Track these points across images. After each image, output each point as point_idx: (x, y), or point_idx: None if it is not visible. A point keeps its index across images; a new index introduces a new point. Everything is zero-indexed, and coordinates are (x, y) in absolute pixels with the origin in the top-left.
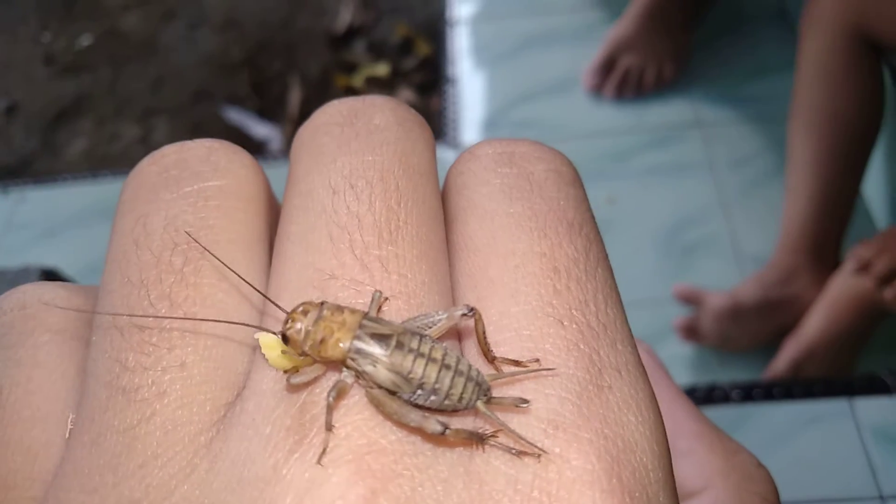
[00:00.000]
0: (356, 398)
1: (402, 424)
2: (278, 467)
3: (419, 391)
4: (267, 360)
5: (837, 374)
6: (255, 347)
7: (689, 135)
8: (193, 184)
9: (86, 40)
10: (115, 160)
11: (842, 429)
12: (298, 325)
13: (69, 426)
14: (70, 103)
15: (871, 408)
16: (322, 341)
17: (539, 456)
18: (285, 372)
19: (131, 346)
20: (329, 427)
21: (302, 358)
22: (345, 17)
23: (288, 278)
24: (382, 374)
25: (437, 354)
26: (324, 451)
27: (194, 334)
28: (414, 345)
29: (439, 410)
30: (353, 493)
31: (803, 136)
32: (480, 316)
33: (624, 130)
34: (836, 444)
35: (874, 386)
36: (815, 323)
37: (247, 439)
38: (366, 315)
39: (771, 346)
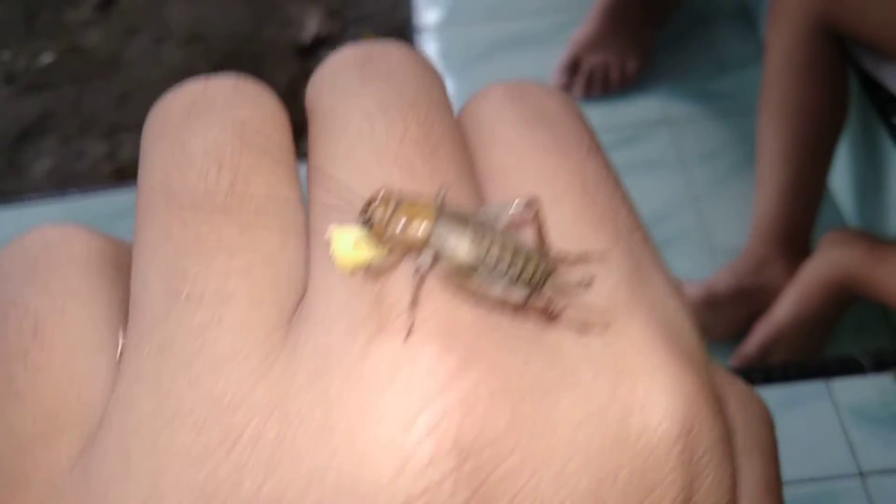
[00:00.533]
0: (433, 282)
1: (482, 300)
2: (363, 352)
3: (496, 270)
4: (334, 257)
5: (807, 357)
6: (312, 248)
7: (657, 132)
8: (227, 111)
9: (47, 58)
10: (81, 178)
11: (821, 410)
12: (381, 211)
13: (118, 348)
14: (33, 122)
15: (848, 388)
16: (407, 223)
17: (607, 326)
18: (352, 271)
19: (190, 256)
20: (415, 305)
21: (376, 249)
22: (311, 27)
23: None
24: (463, 252)
25: (509, 238)
26: (410, 329)
27: (254, 239)
28: (487, 229)
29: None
30: (442, 367)
31: (772, 128)
32: (541, 207)
33: (594, 130)
34: (815, 426)
35: (849, 367)
36: (785, 307)
37: (323, 333)
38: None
39: (747, 333)
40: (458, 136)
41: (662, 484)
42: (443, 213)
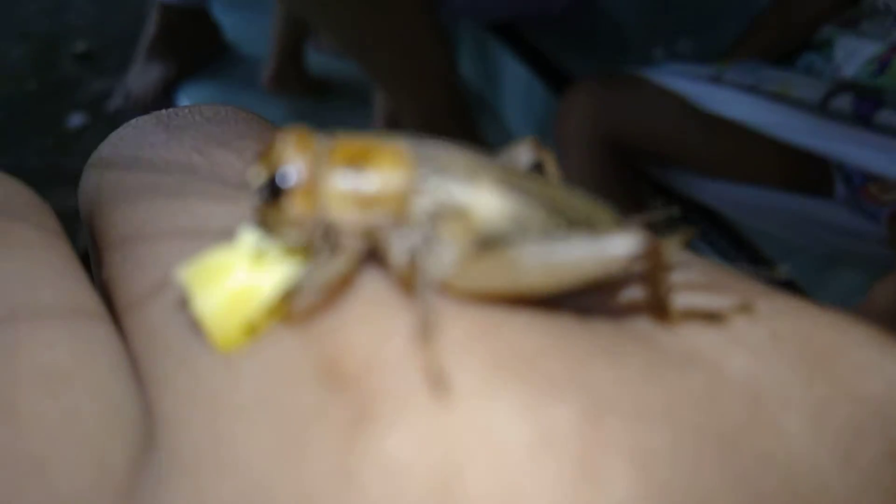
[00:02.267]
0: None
1: (532, 291)
2: (348, 466)
3: (558, 225)
4: (204, 326)
5: None
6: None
7: None
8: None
9: None
10: None
11: None
12: (294, 168)
13: None
14: None
15: None
16: (364, 174)
17: (750, 309)
18: (248, 334)
19: None
20: (430, 340)
21: (291, 264)
22: None
23: None
24: (493, 206)
25: (547, 182)
26: (442, 381)
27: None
28: (506, 168)
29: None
30: (558, 427)
31: None
32: (544, 148)
33: None
34: None
35: None
36: None
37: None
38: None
39: None
40: None
41: None
42: (424, 147)
